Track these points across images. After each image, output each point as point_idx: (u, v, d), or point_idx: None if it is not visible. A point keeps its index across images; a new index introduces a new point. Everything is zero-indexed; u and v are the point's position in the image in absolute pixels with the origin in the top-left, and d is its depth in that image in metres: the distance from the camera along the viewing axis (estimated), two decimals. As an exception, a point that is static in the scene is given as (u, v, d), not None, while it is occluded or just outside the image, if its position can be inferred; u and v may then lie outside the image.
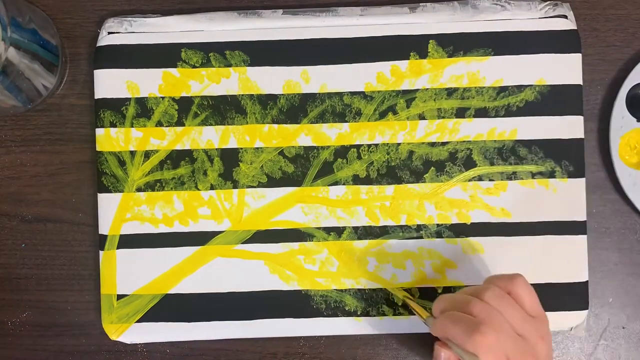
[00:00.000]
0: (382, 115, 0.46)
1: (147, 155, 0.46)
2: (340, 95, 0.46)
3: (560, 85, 0.46)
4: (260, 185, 0.46)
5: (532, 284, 0.45)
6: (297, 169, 0.46)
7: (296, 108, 0.46)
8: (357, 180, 0.46)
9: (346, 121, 0.46)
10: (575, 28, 0.46)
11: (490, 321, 0.38)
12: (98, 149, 0.46)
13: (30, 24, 0.44)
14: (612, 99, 0.46)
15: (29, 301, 0.47)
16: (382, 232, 0.46)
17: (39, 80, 0.45)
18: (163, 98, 0.46)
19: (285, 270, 0.46)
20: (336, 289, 0.46)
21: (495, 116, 0.46)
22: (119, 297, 0.46)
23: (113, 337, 0.46)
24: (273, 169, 0.46)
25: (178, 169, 0.46)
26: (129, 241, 0.46)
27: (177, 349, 0.47)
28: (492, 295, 0.39)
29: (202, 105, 0.46)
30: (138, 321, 0.46)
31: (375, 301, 0.46)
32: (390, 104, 0.46)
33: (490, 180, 0.46)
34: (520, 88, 0.46)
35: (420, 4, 0.46)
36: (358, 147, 0.46)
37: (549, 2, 0.46)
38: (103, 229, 0.46)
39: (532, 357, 0.38)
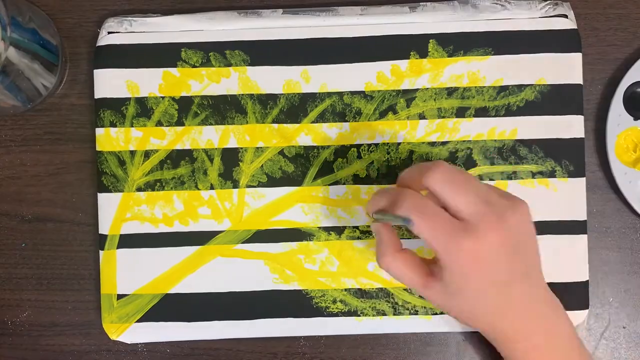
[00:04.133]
0: (382, 115, 0.46)
1: (147, 155, 0.46)
2: (340, 94, 0.46)
3: (560, 84, 0.46)
4: (260, 185, 0.46)
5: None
6: (297, 169, 0.46)
7: (296, 108, 0.46)
8: (357, 179, 0.46)
9: (346, 121, 0.46)
10: (576, 27, 0.46)
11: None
12: (98, 148, 0.46)
13: (30, 23, 0.44)
14: (610, 98, 0.46)
15: (29, 301, 0.47)
16: (382, 231, 0.46)
17: (39, 80, 0.45)
18: (163, 98, 0.46)
19: (285, 269, 0.46)
20: (336, 289, 0.46)
21: (496, 116, 0.46)
22: (119, 296, 0.46)
23: (113, 337, 0.46)
24: (273, 168, 0.46)
25: (178, 169, 0.46)
26: (129, 241, 0.46)
27: (177, 349, 0.47)
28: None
29: (202, 104, 0.46)
30: (138, 321, 0.46)
31: (375, 301, 0.46)
32: (390, 104, 0.46)
33: (491, 179, 0.46)
34: (520, 87, 0.46)
35: (421, 3, 0.46)
36: (358, 146, 0.46)
37: (549, 1, 0.46)
38: (103, 229, 0.46)
39: (494, 215, 0.35)
